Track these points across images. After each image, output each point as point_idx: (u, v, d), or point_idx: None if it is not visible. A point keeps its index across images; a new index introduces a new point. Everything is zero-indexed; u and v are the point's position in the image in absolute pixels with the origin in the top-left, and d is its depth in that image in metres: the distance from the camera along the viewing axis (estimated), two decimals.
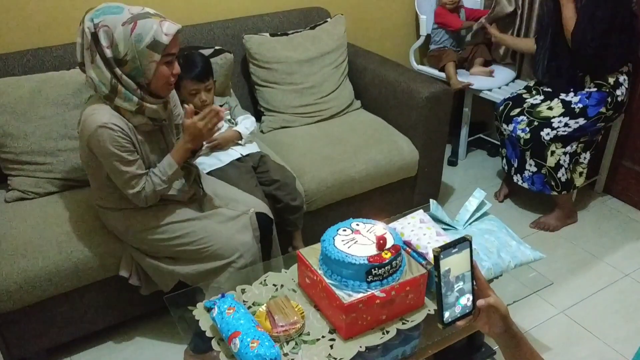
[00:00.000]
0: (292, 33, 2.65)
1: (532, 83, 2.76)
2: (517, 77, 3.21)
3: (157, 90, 1.67)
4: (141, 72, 1.61)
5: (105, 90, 1.60)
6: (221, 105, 2.29)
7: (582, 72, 2.52)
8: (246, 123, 2.29)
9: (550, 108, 2.56)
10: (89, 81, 1.63)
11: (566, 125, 2.50)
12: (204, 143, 2.08)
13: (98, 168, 1.72)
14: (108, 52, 1.57)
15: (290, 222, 2.20)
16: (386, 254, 1.44)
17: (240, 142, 2.24)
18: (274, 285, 1.65)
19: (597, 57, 2.40)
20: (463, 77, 3.05)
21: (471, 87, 3.02)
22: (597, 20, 2.33)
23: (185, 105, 1.76)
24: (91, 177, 1.80)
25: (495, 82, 3.07)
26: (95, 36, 1.56)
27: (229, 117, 2.32)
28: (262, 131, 2.58)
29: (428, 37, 3.22)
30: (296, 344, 1.44)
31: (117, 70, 1.59)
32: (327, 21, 2.74)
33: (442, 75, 3.09)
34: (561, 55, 2.52)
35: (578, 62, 2.48)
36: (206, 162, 2.17)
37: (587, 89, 2.52)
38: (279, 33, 2.63)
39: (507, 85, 3.11)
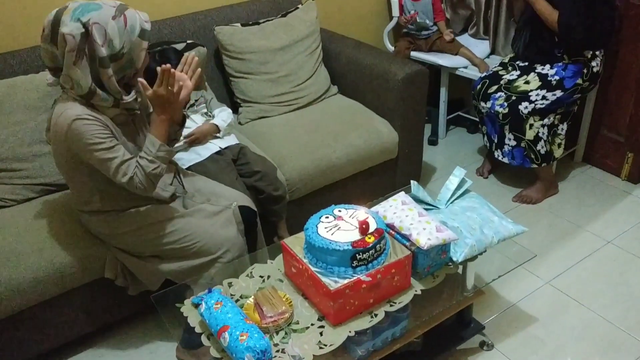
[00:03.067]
0: (264, 22, 2.62)
1: (507, 59, 2.76)
2: (492, 52, 3.22)
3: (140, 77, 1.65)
4: (132, 64, 1.59)
5: (81, 92, 1.56)
6: (196, 100, 2.27)
7: (562, 52, 2.51)
8: (223, 115, 2.27)
9: (527, 82, 2.56)
10: (66, 79, 1.56)
11: (544, 98, 2.51)
12: (182, 138, 2.07)
13: (76, 170, 1.69)
14: (102, 51, 1.52)
15: (274, 213, 2.20)
16: (369, 238, 1.44)
17: (218, 134, 2.23)
18: (261, 276, 1.65)
19: (585, 40, 2.40)
20: (446, 60, 3.04)
21: (445, 66, 3.03)
22: (579, 3, 2.31)
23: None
24: (70, 181, 1.77)
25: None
26: (85, 36, 1.50)
27: (205, 110, 2.29)
28: (240, 122, 2.56)
29: None
30: (286, 333, 1.45)
31: (109, 71, 1.54)
32: (298, 8, 2.72)
33: (420, 56, 3.09)
34: (541, 35, 2.52)
35: (564, 45, 2.47)
36: (185, 158, 2.15)
37: (563, 62, 2.53)
38: (251, 22, 2.60)
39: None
